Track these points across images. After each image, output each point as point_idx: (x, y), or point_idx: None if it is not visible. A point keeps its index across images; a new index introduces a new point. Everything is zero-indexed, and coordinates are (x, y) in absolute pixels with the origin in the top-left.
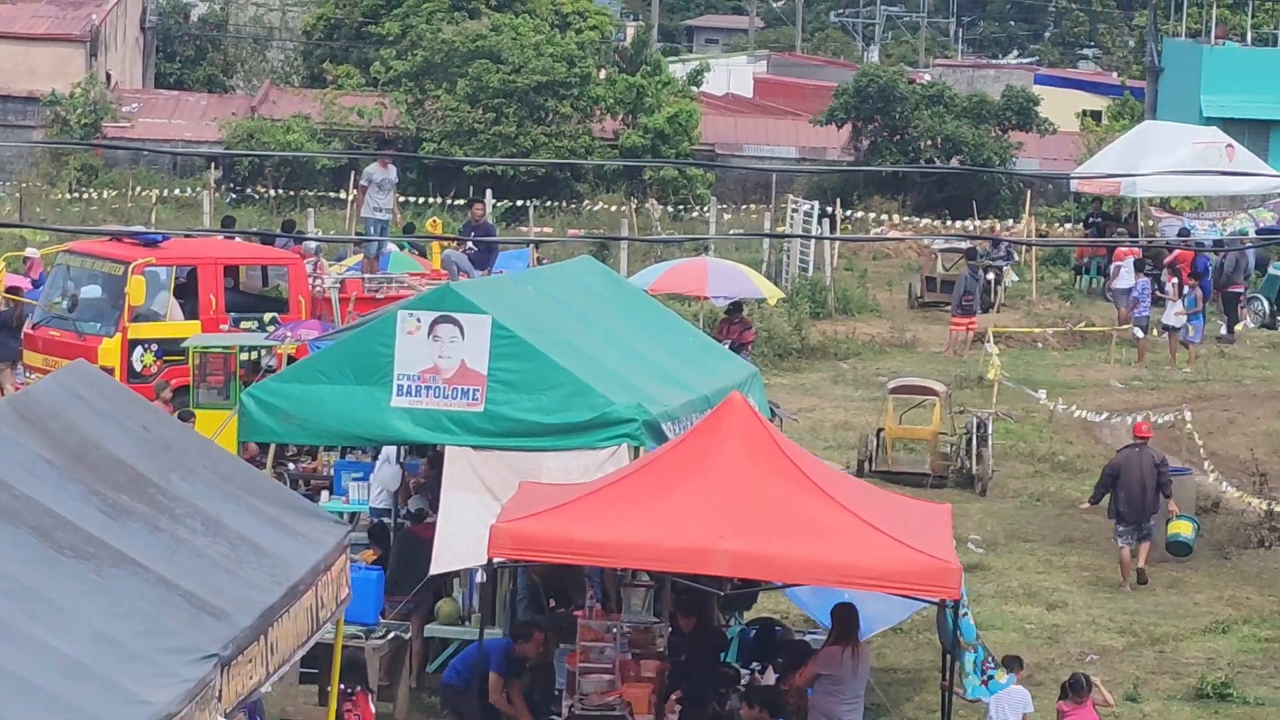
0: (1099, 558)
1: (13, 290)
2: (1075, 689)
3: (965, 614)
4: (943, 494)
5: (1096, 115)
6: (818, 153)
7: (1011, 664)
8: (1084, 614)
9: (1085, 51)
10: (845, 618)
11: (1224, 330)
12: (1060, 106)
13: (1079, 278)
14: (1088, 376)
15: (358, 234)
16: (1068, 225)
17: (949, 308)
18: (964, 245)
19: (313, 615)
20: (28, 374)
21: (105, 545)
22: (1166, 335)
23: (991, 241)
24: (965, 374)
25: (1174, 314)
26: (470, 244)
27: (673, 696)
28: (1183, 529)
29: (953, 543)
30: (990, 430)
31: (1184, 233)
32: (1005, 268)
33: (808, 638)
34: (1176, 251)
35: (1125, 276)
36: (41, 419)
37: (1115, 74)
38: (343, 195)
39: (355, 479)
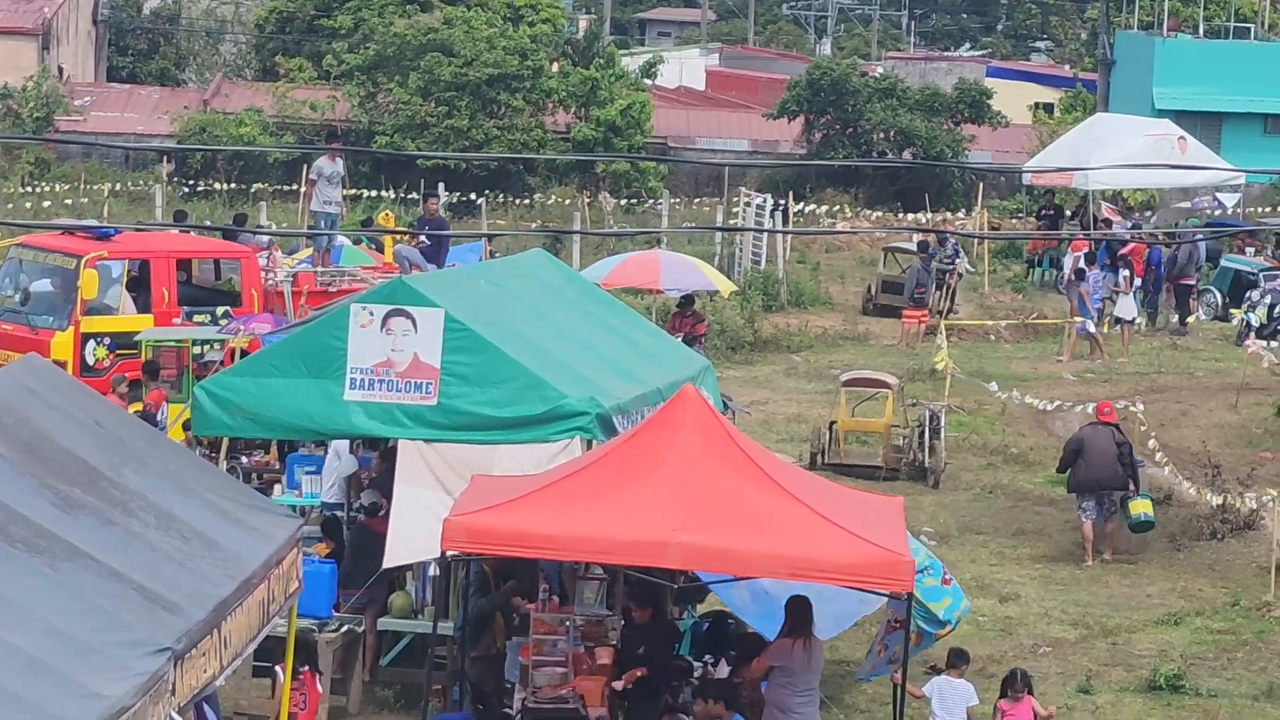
0: (1052, 550)
1: None
2: (1010, 685)
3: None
4: (895, 486)
5: (1049, 108)
6: (770, 146)
7: (957, 659)
8: (1036, 606)
9: (1037, 44)
10: (798, 611)
11: (1176, 322)
12: (1013, 99)
13: (1031, 270)
14: (1040, 369)
15: (309, 228)
16: (1020, 218)
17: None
18: (912, 246)
19: (264, 609)
20: None
21: (58, 539)
22: (1119, 328)
23: (939, 238)
24: (918, 367)
25: (1125, 307)
26: (423, 238)
27: (623, 679)
28: (1144, 507)
29: (906, 535)
30: (943, 423)
31: (1135, 227)
32: (956, 263)
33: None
34: (1131, 245)
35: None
36: None
37: (1067, 66)
38: (295, 188)
39: (308, 472)
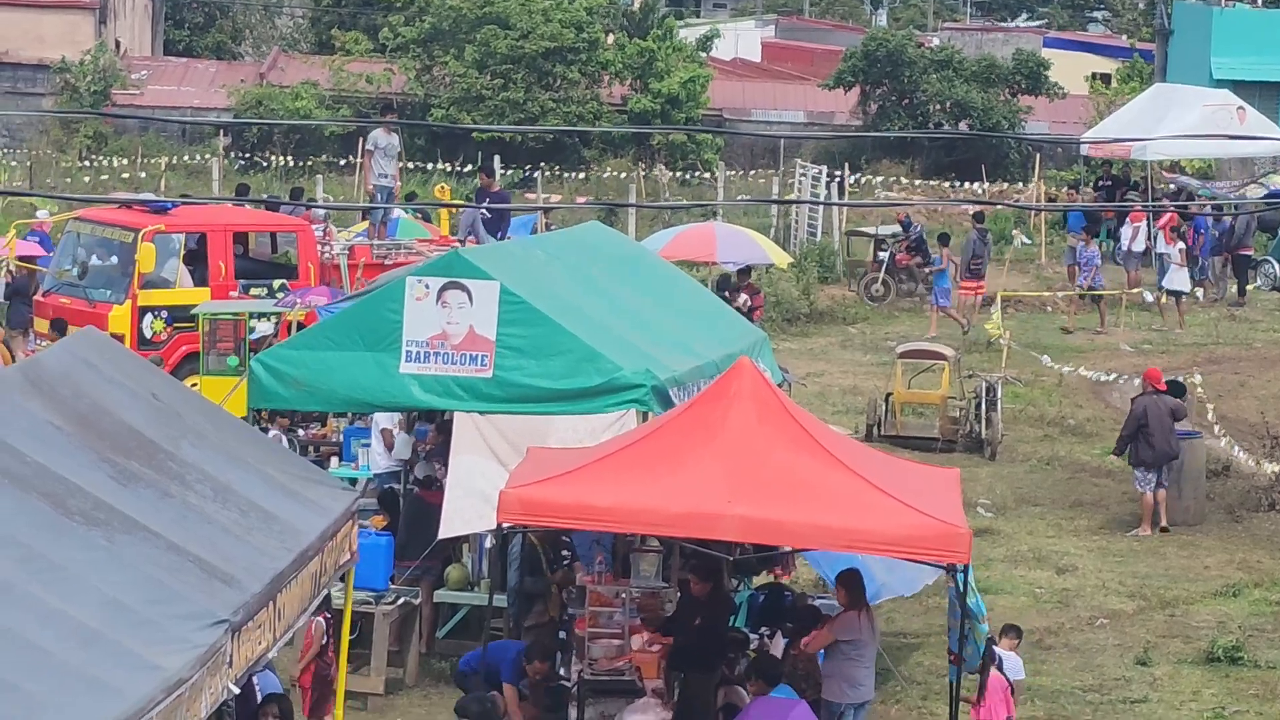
0: (1109, 521)
1: (25, 259)
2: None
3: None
4: (952, 458)
5: (1106, 78)
6: (826, 117)
7: (1010, 632)
8: (1094, 578)
9: (1094, 14)
10: (854, 583)
11: (1235, 293)
12: (1070, 70)
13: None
14: (1096, 340)
15: (368, 201)
16: (1076, 190)
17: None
18: (871, 230)
19: (316, 581)
20: (38, 341)
21: (115, 512)
22: (1174, 300)
23: (902, 225)
24: (974, 338)
25: (1179, 279)
26: (484, 210)
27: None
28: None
29: (962, 507)
30: (999, 394)
31: (1182, 191)
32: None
33: (817, 602)
34: (1171, 214)
35: (1137, 240)
36: (52, 386)
37: (1125, 37)
38: (351, 162)
39: (364, 445)
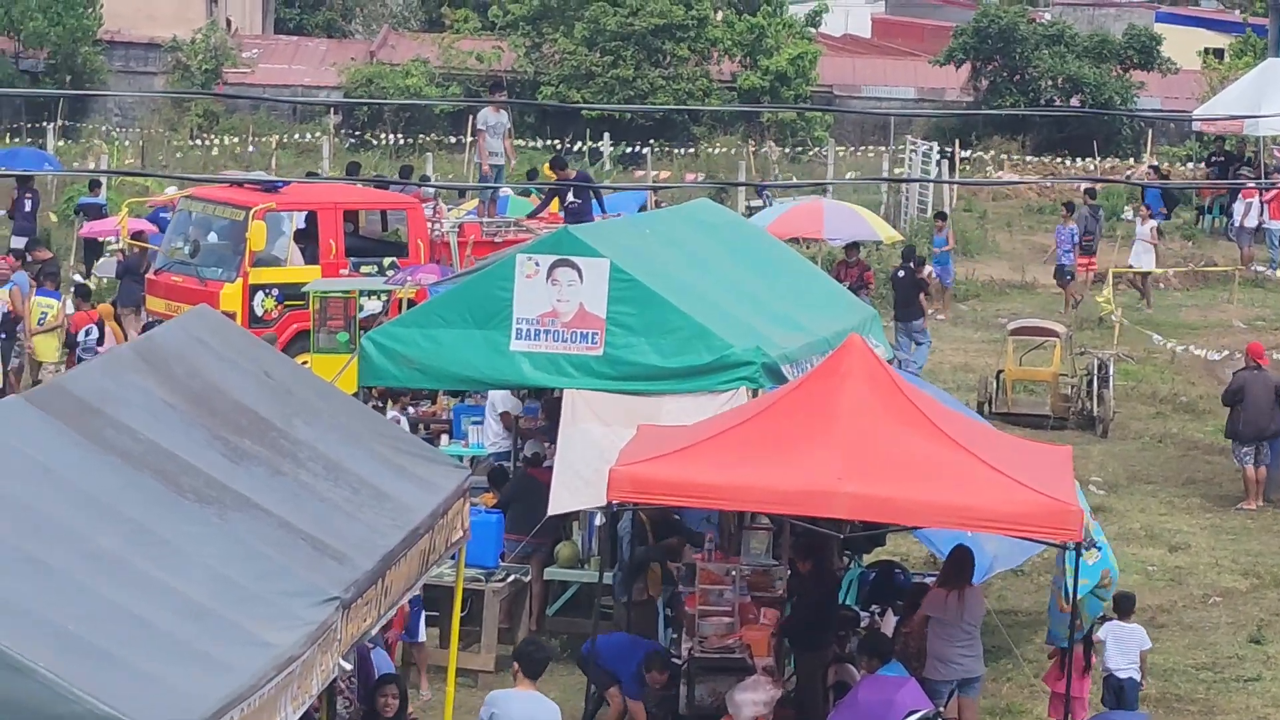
0: (1222, 499)
1: (137, 236)
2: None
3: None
4: (1063, 436)
5: (1219, 53)
6: (936, 94)
7: (1126, 603)
8: (1207, 556)
9: None
10: (955, 562)
11: None
12: (1182, 45)
13: (1202, 217)
14: (1210, 317)
15: (479, 180)
16: (1189, 165)
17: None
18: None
19: (425, 558)
20: (150, 319)
21: (227, 489)
22: None
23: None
24: (1086, 315)
25: None
26: (571, 197)
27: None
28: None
29: (1074, 485)
30: (1111, 371)
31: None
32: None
33: (929, 580)
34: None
35: (1250, 216)
36: (165, 363)
37: (1238, 11)
38: (461, 140)
39: (474, 423)
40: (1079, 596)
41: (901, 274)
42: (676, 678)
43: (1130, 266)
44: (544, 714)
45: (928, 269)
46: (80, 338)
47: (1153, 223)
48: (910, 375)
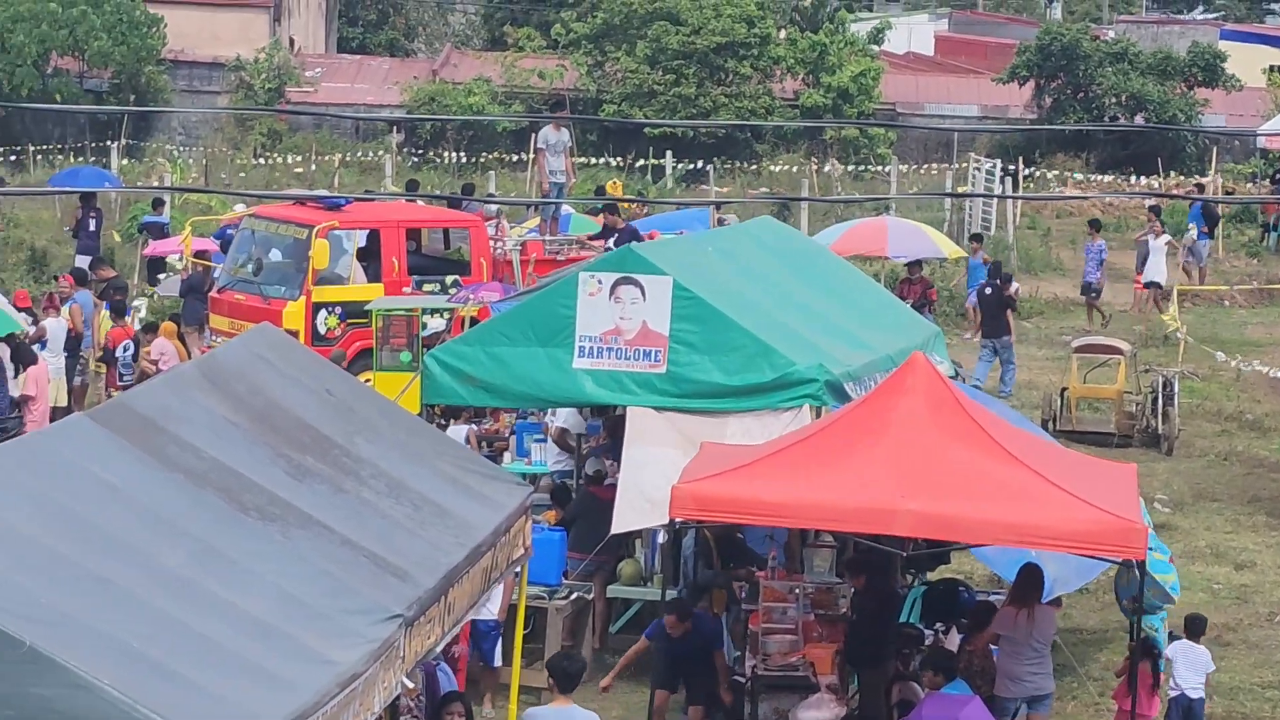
0: None
1: (200, 254)
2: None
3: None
4: (1128, 454)
5: None
6: (1000, 111)
7: (1197, 624)
8: (1273, 574)
9: (1272, 6)
10: (1025, 579)
11: None
12: (1247, 62)
13: (1267, 235)
14: (1275, 334)
15: (539, 197)
16: (1254, 182)
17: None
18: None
19: (488, 575)
20: (213, 337)
21: (291, 507)
22: None
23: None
24: (1150, 333)
25: None
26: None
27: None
28: None
29: (1139, 502)
30: (1176, 389)
31: None
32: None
33: (992, 598)
34: None
35: None
36: (227, 381)
37: None
38: (523, 158)
39: (537, 440)
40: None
41: (989, 290)
42: (740, 695)
43: (1156, 283)
44: None
45: (1015, 285)
46: (119, 353)
47: (1166, 236)
48: (972, 391)
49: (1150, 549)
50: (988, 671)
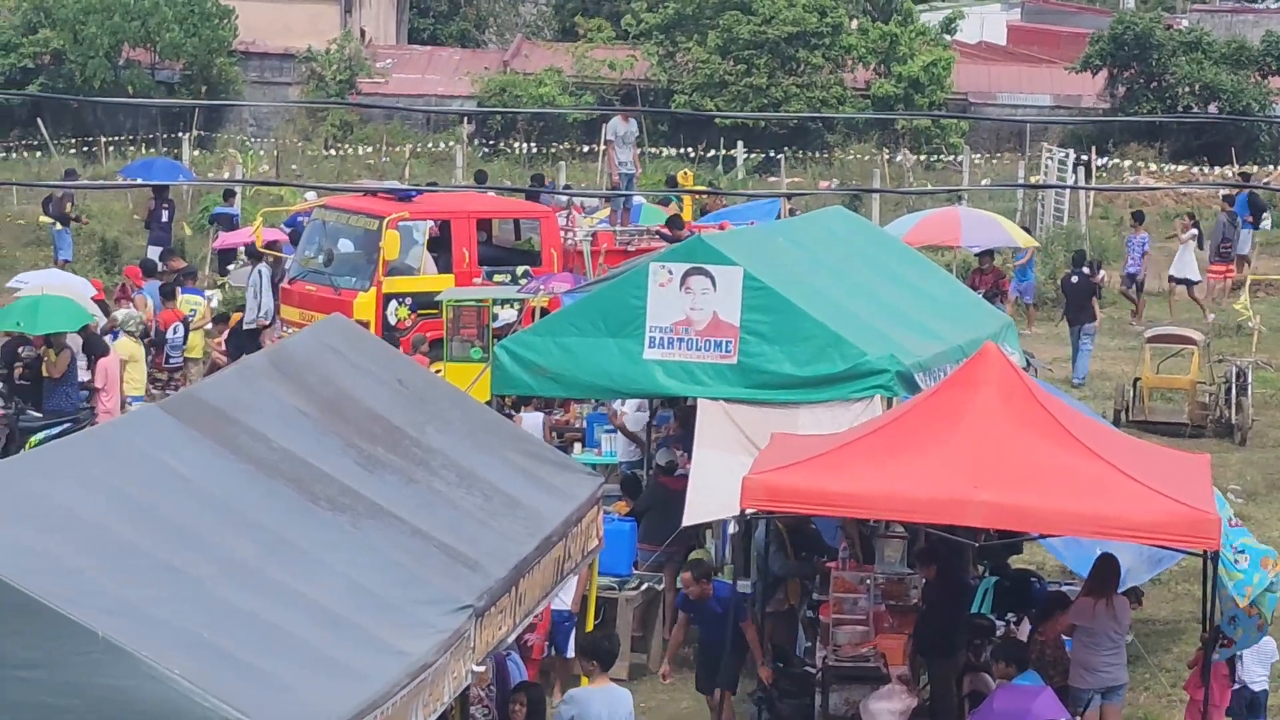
0: None
1: (271, 245)
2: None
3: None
4: (1201, 444)
5: None
6: (1073, 100)
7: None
8: None
9: None
10: (1102, 570)
11: None
12: None
13: None
14: None
15: (610, 189)
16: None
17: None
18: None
19: (560, 566)
20: (284, 328)
21: (361, 497)
22: None
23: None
24: (1224, 322)
25: None
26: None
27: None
28: None
29: (1213, 492)
30: (1250, 379)
31: None
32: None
33: (1064, 589)
34: None
35: None
36: (298, 372)
37: None
38: (594, 149)
39: (607, 431)
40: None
41: (1075, 279)
42: (809, 686)
43: (1186, 279)
44: (622, 707)
45: (1102, 273)
46: (169, 334)
47: (1194, 231)
48: (1044, 382)
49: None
50: (1059, 662)
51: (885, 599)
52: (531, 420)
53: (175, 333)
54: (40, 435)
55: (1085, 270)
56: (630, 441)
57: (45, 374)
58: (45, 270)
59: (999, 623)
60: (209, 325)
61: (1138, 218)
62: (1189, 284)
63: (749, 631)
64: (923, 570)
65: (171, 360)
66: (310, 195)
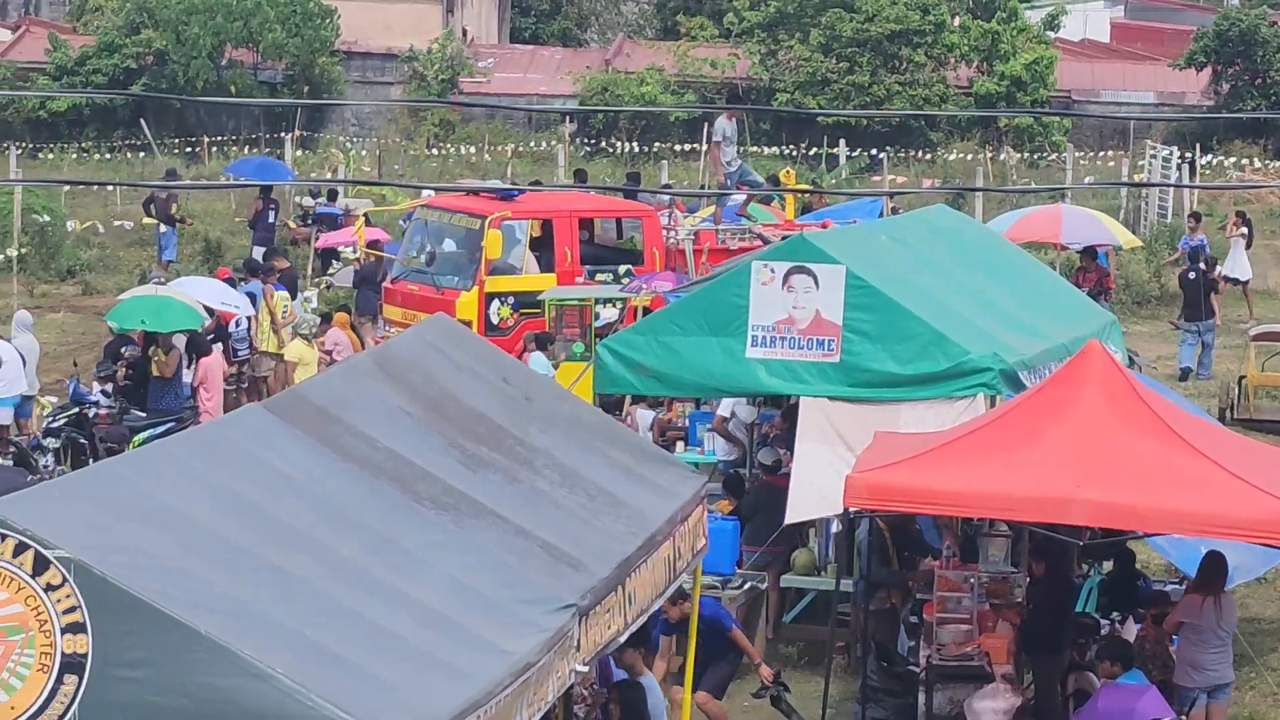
0: None
1: (373, 245)
2: None
3: None
4: None
5: None
6: (1176, 98)
7: None
8: None
9: None
10: (1210, 567)
11: None
12: None
13: None
14: None
15: (717, 188)
16: None
17: None
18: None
19: (670, 566)
20: (387, 328)
21: (464, 496)
22: None
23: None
24: None
25: None
26: None
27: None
28: None
29: None
30: None
31: None
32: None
33: (1168, 588)
34: None
35: None
36: (402, 371)
37: None
38: (696, 148)
39: (710, 430)
40: None
41: (1192, 275)
42: (912, 685)
43: (1236, 279)
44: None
45: (1218, 269)
46: (231, 328)
47: (1244, 230)
48: (1149, 379)
49: None
50: (1158, 657)
51: (989, 598)
52: (643, 416)
53: (239, 326)
54: (144, 434)
55: (1202, 266)
56: (730, 442)
57: (156, 373)
58: (192, 277)
59: (1103, 621)
60: (297, 321)
61: (1195, 218)
62: (1238, 283)
63: (739, 639)
64: (1035, 564)
65: (239, 354)
66: (427, 192)
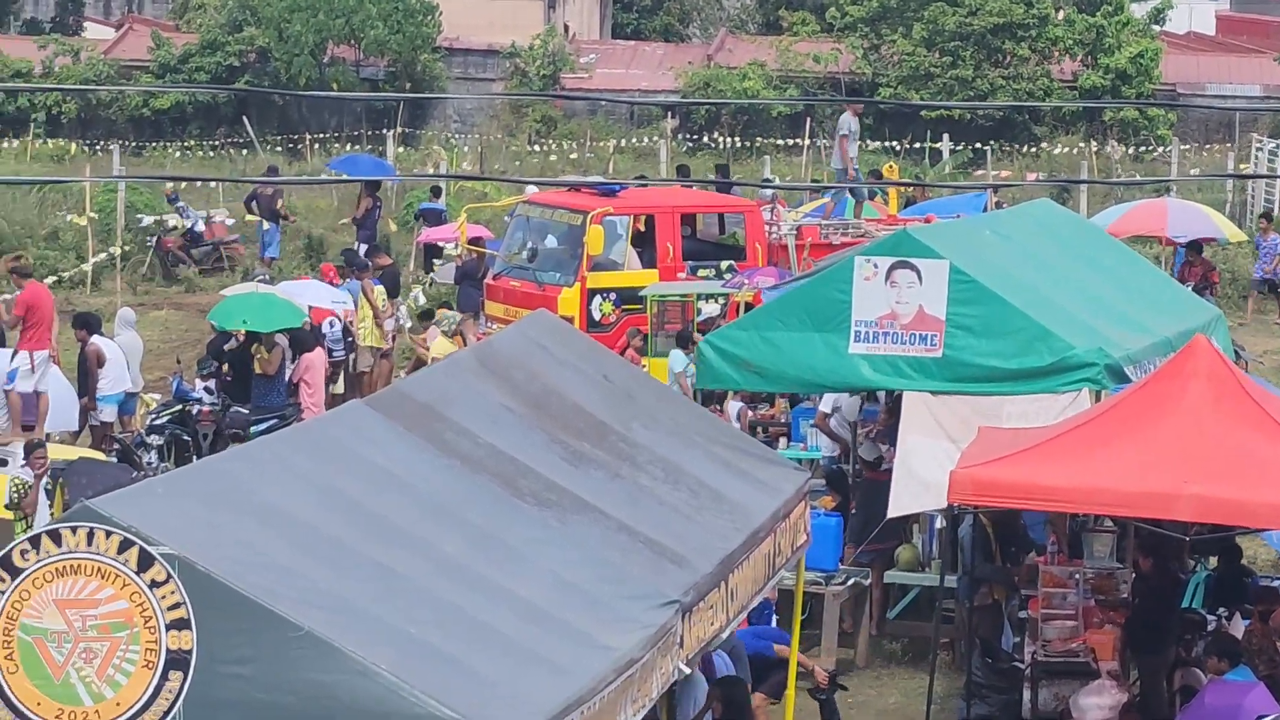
0: None
1: (475, 241)
2: None
3: None
4: None
5: None
6: None
7: None
8: None
9: None
10: None
11: None
12: None
13: None
14: None
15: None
16: None
17: None
18: None
19: (770, 562)
20: (489, 324)
21: (567, 493)
22: None
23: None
24: None
25: None
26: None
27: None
28: None
29: None
30: None
31: None
32: None
33: (1275, 583)
34: None
35: None
36: (504, 368)
37: None
38: (798, 143)
39: (813, 426)
40: None
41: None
42: (1017, 681)
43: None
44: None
45: None
46: (325, 329)
47: (1275, 235)
48: (1253, 375)
49: None
50: (1266, 652)
51: (1095, 594)
52: (731, 407)
53: (332, 326)
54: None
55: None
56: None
57: (259, 370)
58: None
59: (1210, 618)
60: (391, 319)
61: (1267, 218)
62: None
63: (785, 654)
64: (1142, 559)
65: (334, 354)
66: (531, 189)
